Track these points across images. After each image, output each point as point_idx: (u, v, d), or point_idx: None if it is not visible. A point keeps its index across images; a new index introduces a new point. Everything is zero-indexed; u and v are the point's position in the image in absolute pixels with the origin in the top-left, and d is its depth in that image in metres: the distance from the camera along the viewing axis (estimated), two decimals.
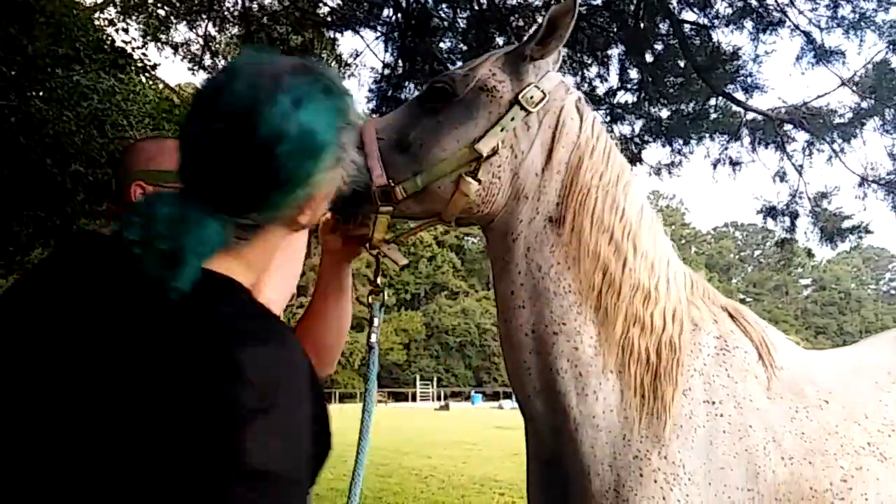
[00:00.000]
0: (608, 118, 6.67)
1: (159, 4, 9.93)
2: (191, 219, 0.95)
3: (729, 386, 1.71)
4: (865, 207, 6.13)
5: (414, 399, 55.29)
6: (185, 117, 1.07)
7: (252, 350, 0.90)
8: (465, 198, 1.70)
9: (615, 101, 6.61)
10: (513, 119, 1.72)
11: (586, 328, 1.69)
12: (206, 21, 8.42)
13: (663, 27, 5.98)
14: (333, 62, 7.72)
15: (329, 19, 7.04)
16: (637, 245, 1.75)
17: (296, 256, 1.77)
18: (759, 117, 6.27)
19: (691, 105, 6.29)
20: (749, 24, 5.89)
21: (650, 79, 6.02)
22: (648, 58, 6.05)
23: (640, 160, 6.77)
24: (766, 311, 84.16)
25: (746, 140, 6.42)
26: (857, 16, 5.56)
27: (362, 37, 6.98)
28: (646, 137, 6.60)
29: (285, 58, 1.08)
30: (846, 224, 6.20)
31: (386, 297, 1.98)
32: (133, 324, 0.92)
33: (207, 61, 10.07)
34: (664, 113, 6.50)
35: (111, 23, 10.96)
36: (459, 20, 6.41)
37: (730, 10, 5.88)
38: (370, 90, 6.88)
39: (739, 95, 6.07)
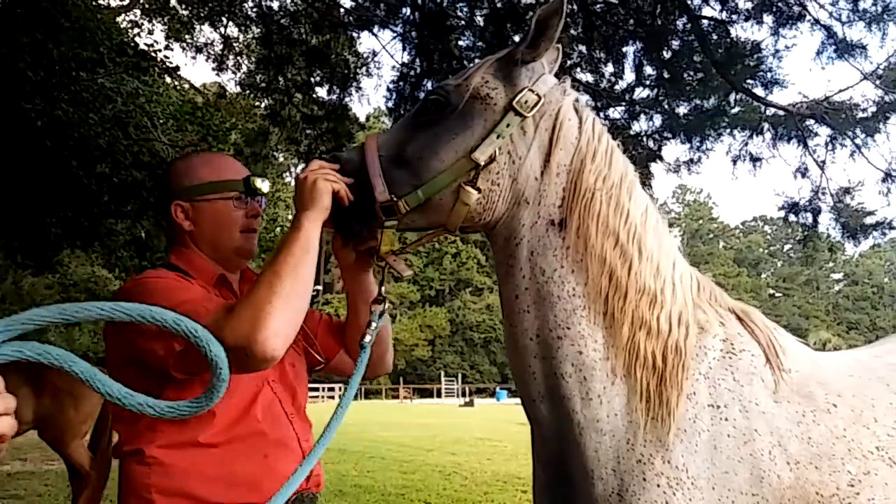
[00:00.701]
0: (626, 115, 6.64)
1: (182, 5, 10.07)
2: None
3: (734, 390, 1.70)
4: (889, 203, 6.04)
5: (439, 395, 55.42)
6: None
7: None
8: (466, 207, 1.71)
9: (634, 98, 6.56)
10: (508, 125, 1.72)
11: (591, 332, 1.69)
12: (227, 22, 8.51)
13: (680, 23, 5.92)
14: (353, 61, 7.78)
15: (347, 20, 7.09)
16: (642, 248, 1.74)
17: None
18: (781, 112, 6.17)
19: (711, 101, 6.22)
20: (769, 19, 5.81)
21: (668, 75, 5.97)
22: (666, 54, 6.00)
23: (660, 157, 6.70)
24: (797, 306, 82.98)
25: (767, 136, 6.34)
26: (879, 8, 5.46)
27: (377, 37, 7.04)
28: (665, 134, 6.54)
29: None
30: (869, 220, 6.10)
31: (388, 307, 2.04)
32: None
33: (231, 61, 10.22)
34: (683, 109, 6.45)
35: (135, 25, 11.15)
36: (477, 18, 6.42)
37: (749, 5, 5.80)
38: (388, 89, 6.94)
39: (759, 91, 6.00)
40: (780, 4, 5.68)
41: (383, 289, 1.93)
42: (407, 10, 6.49)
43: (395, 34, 6.74)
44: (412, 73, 6.68)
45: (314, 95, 7.96)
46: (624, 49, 6.26)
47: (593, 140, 1.77)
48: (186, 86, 13.68)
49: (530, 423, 1.82)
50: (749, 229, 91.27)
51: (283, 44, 7.29)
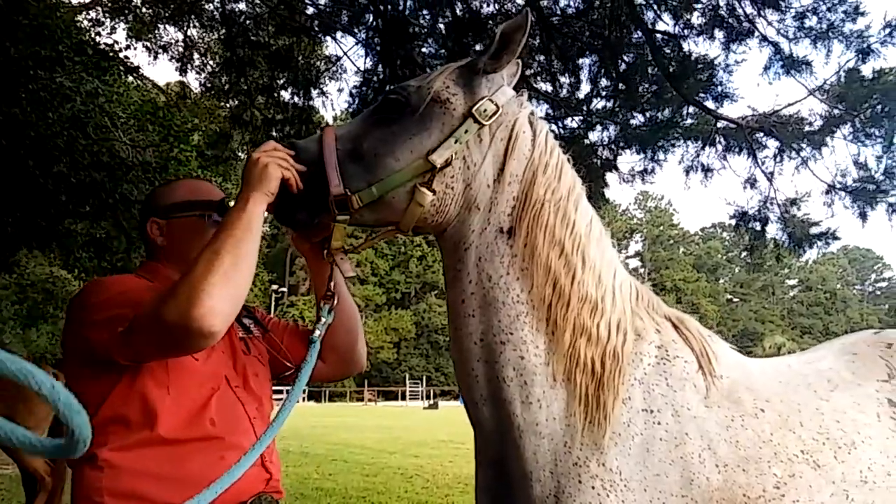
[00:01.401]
0: (583, 125, 6.76)
1: (145, 6, 9.94)
2: None
3: (667, 395, 1.75)
4: (833, 214, 6.25)
5: (404, 398, 55.25)
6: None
7: None
8: (420, 208, 1.75)
9: (591, 108, 6.68)
10: (466, 131, 1.76)
11: (533, 338, 1.74)
12: (189, 24, 8.43)
13: (635, 37, 6.06)
14: (316, 65, 7.77)
15: (310, 24, 7.09)
16: (586, 258, 1.80)
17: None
18: (731, 125, 6.35)
19: (665, 112, 6.37)
20: (720, 35, 5.98)
21: (623, 87, 6.11)
22: (621, 67, 6.13)
23: (616, 167, 6.84)
24: (753, 311, 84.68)
25: (719, 147, 6.51)
26: (824, 26, 5.66)
27: (340, 44, 7.07)
28: (620, 143, 6.67)
29: None
30: (814, 230, 6.31)
31: (348, 303, 2.12)
32: None
33: (196, 61, 10.11)
34: (638, 120, 6.60)
35: (97, 23, 10.96)
36: (439, 26, 6.47)
37: (701, 21, 5.96)
38: (351, 94, 6.97)
39: (710, 104, 6.16)
40: (730, 21, 5.86)
41: (332, 284, 1.97)
42: (370, 17, 6.52)
43: (358, 41, 6.76)
44: (375, 78, 6.72)
45: (277, 98, 7.93)
46: (580, 61, 6.40)
47: (545, 153, 1.82)
48: (150, 85, 13.47)
49: (473, 426, 1.85)
50: (708, 235, 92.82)
51: (246, 46, 7.26)
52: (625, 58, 6.21)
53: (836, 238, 6.28)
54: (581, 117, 6.74)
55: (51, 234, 9.20)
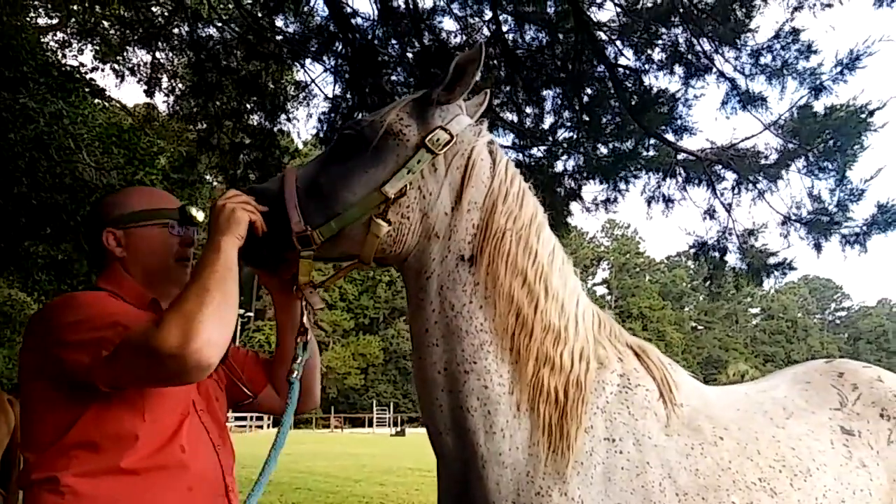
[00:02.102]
0: (548, 154, 6.88)
1: (113, 29, 9.88)
2: None
3: (629, 423, 1.77)
4: (790, 245, 6.44)
5: (371, 424, 54.60)
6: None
7: None
8: (377, 239, 1.77)
9: (556, 138, 6.82)
10: (419, 161, 1.78)
11: (497, 367, 1.74)
12: (157, 47, 8.40)
13: (598, 70, 6.23)
14: (285, 91, 7.78)
15: (279, 51, 7.12)
16: (549, 287, 1.81)
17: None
18: (691, 157, 6.54)
19: (628, 143, 6.54)
20: (679, 70, 6.18)
21: (587, 118, 6.26)
22: (584, 99, 6.30)
23: (580, 196, 6.98)
24: (717, 338, 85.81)
25: (679, 178, 6.68)
26: (778, 63, 5.89)
27: (308, 71, 7.12)
28: (584, 173, 6.81)
29: None
30: (772, 260, 6.49)
31: (314, 336, 2.08)
32: None
33: (164, 84, 10.04)
34: (601, 150, 6.75)
35: (64, 45, 10.86)
36: (407, 55, 6.55)
37: (661, 56, 6.16)
38: (319, 120, 7.01)
39: (671, 136, 6.34)
40: (689, 57, 6.06)
41: (305, 320, 1.96)
42: (339, 45, 6.58)
43: (327, 68, 6.81)
44: (344, 104, 6.76)
45: (245, 123, 7.92)
46: (544, 92, 6.53)
47: (506, 181, 1.84)
48: (117, 107, 13.33)
49: (436, 456, 1.85)
50: (673, 264, 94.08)
51: (215, 71, 7.25)
52: (588, 90, 6.38)
53: (792, 268, 6.47)
54: (546, 147, 6.87)
55: (10, 255, 9.01)
